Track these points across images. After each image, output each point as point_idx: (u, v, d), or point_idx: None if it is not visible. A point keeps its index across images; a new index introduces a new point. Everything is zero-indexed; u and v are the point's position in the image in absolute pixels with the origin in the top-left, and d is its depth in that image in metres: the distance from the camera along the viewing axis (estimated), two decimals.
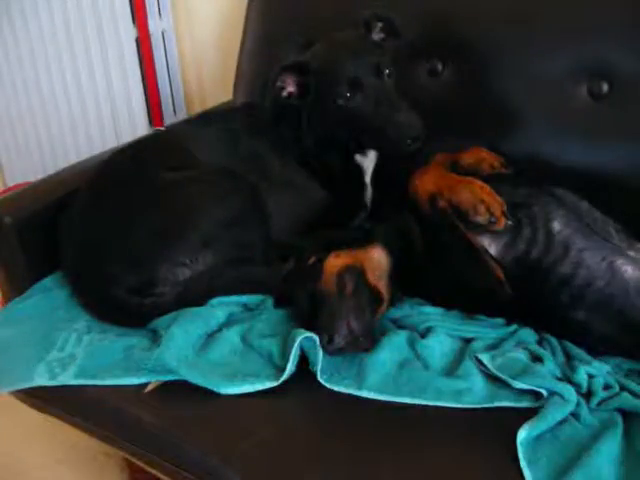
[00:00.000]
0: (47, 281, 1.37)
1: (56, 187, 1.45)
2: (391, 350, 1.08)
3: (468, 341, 1.14)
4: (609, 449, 0.91)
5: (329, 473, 0.93)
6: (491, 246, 1.15)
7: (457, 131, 1.48)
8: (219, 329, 1.17)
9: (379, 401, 1.02)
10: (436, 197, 1.17)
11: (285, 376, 1.04)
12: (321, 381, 1.04)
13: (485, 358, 1.06)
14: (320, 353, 1.04)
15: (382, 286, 1.15)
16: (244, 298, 1.25)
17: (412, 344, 1.11)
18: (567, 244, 1.12)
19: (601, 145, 1.38)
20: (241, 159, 1.42)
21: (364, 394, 1.02)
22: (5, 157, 2.76)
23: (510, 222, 1.13)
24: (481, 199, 1.13)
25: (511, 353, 1.08)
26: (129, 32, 2.18)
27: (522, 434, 0.92)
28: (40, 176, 1.63)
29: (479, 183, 1.16)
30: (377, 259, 1.19)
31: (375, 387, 1.03)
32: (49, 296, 1.33)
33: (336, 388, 1.04)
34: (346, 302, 1.08)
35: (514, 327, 1.17)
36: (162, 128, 1.83)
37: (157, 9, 2.23)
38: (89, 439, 1.25)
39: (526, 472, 0.88)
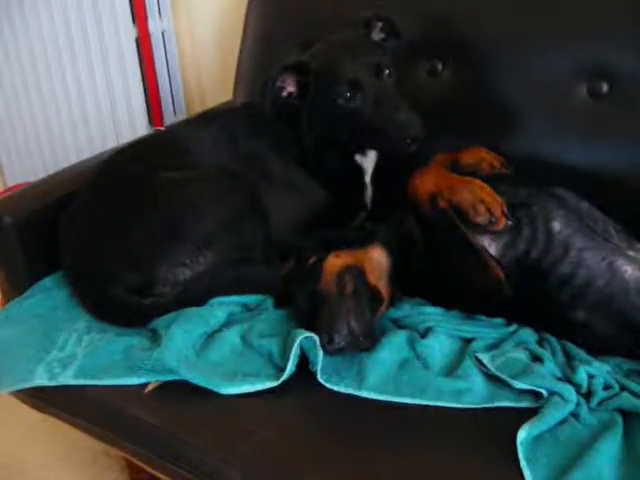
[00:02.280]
0: (47, 281, 1.37)
1: (56, 187, 1.45)
2: (391, 350, 1.08)
3: (468, 341, 1.14)
4: (609, 449, 0.90)
5: (329, 473, 0.93)
6: (491, 246, 1.15)
7: (457, 131, 1.48)
8: (219, 329, 1.17)
9: (379, 401, 1.02)
10: (436, 197, 1.17)
11: (285, 376, 1.04)
12: (321, 381, 1.04)
13: (485, 358, 1.06)
14: (320, 353, 1.04)
15: (382, 286, 1.15)
16: (244, 298, 1.25)
17: (412, 344, 1.11)
18: (567, 244, 1.12)
19: (601, 145, 1.38)
20: (241, 159, 1.42)
21: (364, 394, 1.02)
22: (5, 157, 2.76)
23: (510, 222, 1.13)
24: (481, 199, 1.13)
25: (511, 353, 1.08)
26: (129, 32, 2.18)
27: (522, 434, 0.92)
28: (40, 176, 1.63)
29: (479, 183, 1.16)
30: (377, 259, 1.19)
31: (375, 387, 1.03)
32: (49, 296, 1.33)
33: (336, 388, 1.04)
34: (346, 302, 1.08)
35: (514, 327, 1.17)
36: (162, 128, 1.83)
37: (157, 9, 2.23)
38: (89, 439, 1.25)
39: (526, 472, 0.88)
